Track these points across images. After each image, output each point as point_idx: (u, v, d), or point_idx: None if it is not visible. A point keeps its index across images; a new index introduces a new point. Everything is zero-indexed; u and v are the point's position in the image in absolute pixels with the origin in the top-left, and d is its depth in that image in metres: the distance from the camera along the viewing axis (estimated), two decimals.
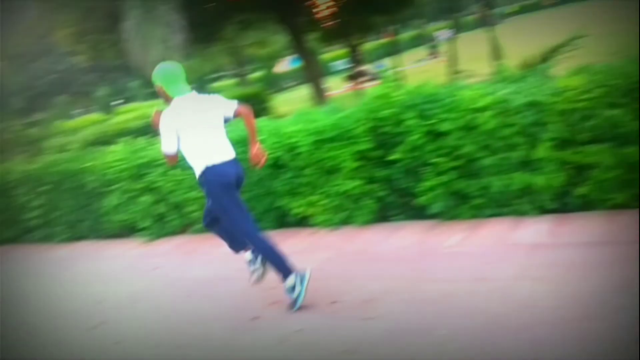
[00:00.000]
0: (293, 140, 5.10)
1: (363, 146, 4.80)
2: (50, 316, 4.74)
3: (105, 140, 11.19)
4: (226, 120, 3.84)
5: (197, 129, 3.67)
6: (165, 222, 6.24)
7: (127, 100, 40.90)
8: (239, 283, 4.47)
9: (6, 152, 9.36)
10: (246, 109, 3.88)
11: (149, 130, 4.64)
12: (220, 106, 3.80)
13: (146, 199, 6.18)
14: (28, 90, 41.01)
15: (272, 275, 3.86)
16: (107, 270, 5.69)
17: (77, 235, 7.05)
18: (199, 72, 18.85)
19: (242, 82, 22.47)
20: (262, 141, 5.25)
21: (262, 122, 5.60)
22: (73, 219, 6.95)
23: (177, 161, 3.86)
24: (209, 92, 17.68)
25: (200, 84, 15.36)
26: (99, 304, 4.75)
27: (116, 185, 6.35)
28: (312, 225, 5.26)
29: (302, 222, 5.33)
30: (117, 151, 6.52)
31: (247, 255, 4.15)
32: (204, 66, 17.90)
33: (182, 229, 6.23)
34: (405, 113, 4.59)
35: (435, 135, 4.56)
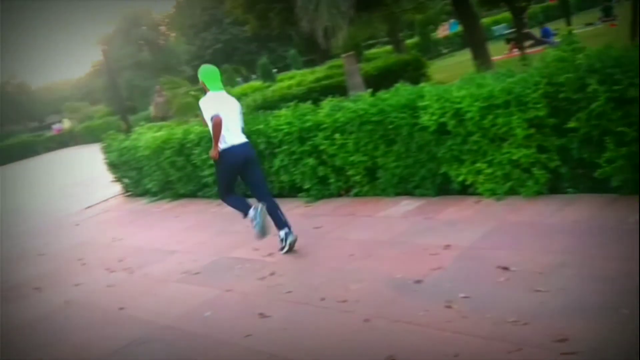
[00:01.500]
0: (459, 105, 4.97)
1: (536, 113, 4.53)
2: (224, 265, 5.18)
3: (269, 105, 11.75)
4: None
5: (229, 116, 4.87)
6: (327, 185, 6.47)
7: (285, 68, 42.58)
8: (401, 247, 4.53)
9: (184, 115, 10.27)
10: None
11: (310, 96, 4.86)
12: (240, 109, 5.20)
13: (310, 161, 6.43)
14: (197, 59, 44.28)
15: (434, 247, 3.84)
16: (271, 226, 6.04)
17: (245, 193, 7.54)
18: (356, 39, 18.97)
19: (397, 49, 22.21)
20: (426, 107, 5.22)
21: (426, 88, 5.54)
22: None
23: (220, 123, 4.76)
24: (365, 59, 17.69)
25: (357, 50, 15.46)
26: (268, 256, 5.09)
27: (282, 148, 6.68)
28: (475, 194, 5.12)
29: (465, 190, 5.21)
30: (283, 115, 6.83)
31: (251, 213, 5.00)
32: (361, 33, 17.97)
33: (342, 192, 6.41)
34: (588, 78, 4.24)
35: (620, 102, 4.16)
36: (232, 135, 4.92)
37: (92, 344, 4.13)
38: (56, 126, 36.16)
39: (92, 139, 25.47)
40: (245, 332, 3.68)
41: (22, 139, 32.37)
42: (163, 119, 12.02)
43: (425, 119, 5.19)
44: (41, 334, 4.58)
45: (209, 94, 5.01)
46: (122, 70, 31.83)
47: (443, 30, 33.43)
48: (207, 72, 5.09)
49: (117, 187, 10.33)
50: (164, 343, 3.86)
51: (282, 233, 5.06)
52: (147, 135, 9.12)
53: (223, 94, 5.07)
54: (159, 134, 8.85)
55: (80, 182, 13.50)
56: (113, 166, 10.09)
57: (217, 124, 4.74)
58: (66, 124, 35.68)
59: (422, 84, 5.87)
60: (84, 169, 16.41)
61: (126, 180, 9.95)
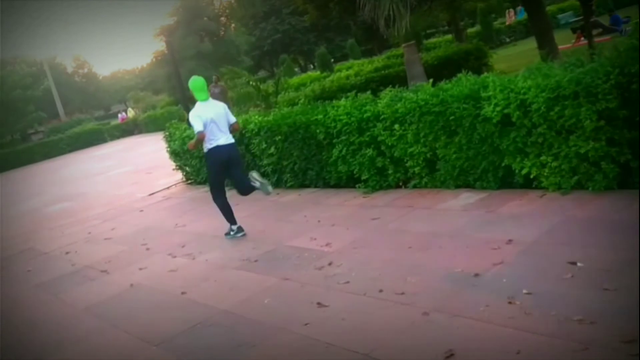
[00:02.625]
0: (525, 96, 4.83)
1: (607, 104, 4.35)
2: (282, 254, 5.25)
3: (327, 95, 11.77)
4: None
5: (215, 121, 5.82)
6: (385, 176, 6.43)
7: (343, 57, 42.45)
8: (461, 240, 4.46)
9: (244, 105, 10.43)
10: (238, 125, 6.27)
11: (369, 86, 4.83)
12: (226, 112, 6.06)
13: (368, 152, 6.41)
14: (256, 49, 44.70)
15: (496, 241, 3.75)
16: (329, 217, 6.08)
17: (303, 182, 7.63)
18: (416, 28, 18.69)
19: (458, 38, 21.72)
20: (489, 98, 5.10)
21: (489, 78, 5.40)
22: (301, 167, 7.52)
23: (204, 138, 5.78)
24: (425, 48, 17.39)
25: (417, 39, 15.22)
26: (325, 246, 5.12)
27: (341, 138, 6.69)
28: (540, 188, 4.98)
29: (529, 183, 5.07)
30: (342, 106, 6.83)
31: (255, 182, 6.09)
32: (421, 22, 17.69)
33: (401, 183, 6.36)
34: None
35: None
36: (220, 137, 5.89)
37: (157, 325, 4.28)
38: (121, 115, 37.49)
39: (154, 127, 26.27)
40: (303, 320, 3.73)
41: (91, 127, 33.69)
42: None
43: (488, 110, 5.07)
44: (110, 314, 4.78)
45: (198, 103, 5.92)
46: (184, 61, 32.55)
47: (510, 17, 32.53)
48: (196, 84, 5.95)
49: (179, 175, 10.61)
50: (224, 327, 3.95)
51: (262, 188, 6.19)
52: None
53: (210, 102, 6.00)
54: None
55: (143, 170, 13.96)
56: (175, 154, 10.36)
57: (200, 139, 5.82)
58: (130, 112, 36.92)
59: (485, 74, 5.73)
60: (146, 157, 16.96)
61: (187, 169, 10.21)
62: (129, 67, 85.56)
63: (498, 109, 5.01)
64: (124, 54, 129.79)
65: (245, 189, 6.21)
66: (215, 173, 6.10)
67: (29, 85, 43.69)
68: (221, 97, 16.69)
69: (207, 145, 5.89)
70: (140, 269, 5.82)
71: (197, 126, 5.71)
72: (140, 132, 30.57)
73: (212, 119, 5.80)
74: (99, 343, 4.25)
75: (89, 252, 7.11)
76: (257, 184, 6.07)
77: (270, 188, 6.14)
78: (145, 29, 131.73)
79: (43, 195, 14.21)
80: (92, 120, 39.42)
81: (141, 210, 8.93)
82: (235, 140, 6.20)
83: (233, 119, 6.12)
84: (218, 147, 5.88)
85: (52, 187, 15.73)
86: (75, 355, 4.13)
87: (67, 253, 7.29)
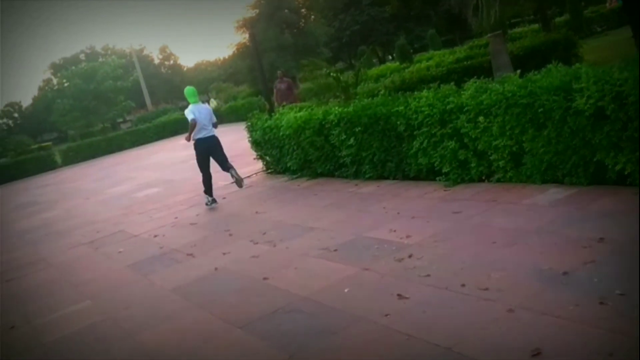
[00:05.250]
0: (621, 88, 4.58)
1: None
2: (361, 245, 5.28)
3: (407, 87, 11.64)
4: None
5: (201, 120, 8.39)
6: (467, 169, 6.31)
7: (422, 48, 41.79)
8: (548, 237, 4.32)
9: (323, 96, 10.49)
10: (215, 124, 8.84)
11: (450, 77, 4.71)
12: (210, 113, 8.69)
13: (450, 144, 6.30)
14: (335, 40, 44.74)
15: (586, 239, 3.59)
16: (408, 209, 6.04)
17: (382, 174, 7.61)
18: (502, 17, 18.02)
19: (545, 27, 20.84)
20: (582, 90, 4.88)
21: (582, 69, 5.17)
22: (380, 158, 7.50)
23: (195, 124, 8.38)
24: (509, 38, 16.75)
25: (502, 29, 14.65)
26: (405, 238, 5.10)
27: (422, 130, 6.61)
28: (635, 185, 4.71)
29: (622, 180, 4.82)
30: (424, 97, 6.74)
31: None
32: (507, 11, 17.07)
33: (484, 177, 6.22)
34: None
35: None
36: (203, 131, 8.48)
37: (240, 308, 4.43)
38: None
39: (235, 118, 26.94)
40: (383, 311, 3.74)
41: (176, 116, 35.00)
42: (284, 106, 12.33)
43: (580, 102, 4.85)
44: (196, 295, 5.00)
45: (190, 105, 8.50)
46: (265, 53, 33.14)
47: (610, 3, 30.96)
48: (189, 91, 8.66)
49: (259, 165, 10.86)
50: (305, 314, 4.04)
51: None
52: (289, 116, 9.46)
53: (199, 105, 8.62)
54: (300, 114, 9.14)
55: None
56: (256, 144, 10.61)
57: (193, 125, 8.33)
58: (212, 103, 38.06)
59: (577, 65, 5.49)
60: (227, 146, 17.42)
61: (268, 158, 10.43)
62: (212, 59, 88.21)
63: (591, 101, 4.78)
64: (206, 46, 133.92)
65: (224, 169, 8.82)
66: (199, 156, 8.64)
67: (119, 77, 46.06)
68: (288, 92, 16.70)
69: (194, 137, 8.47)
70: (224, 253, 6.03)
71: (191, 116, 8.31)
72: (222, 122, 31.32)
73: (199, 117, 8.36)
74: (186, 322, 4.45)
75: (175, 236, 7.44)
76: (234, 175, 8.72)
77: (242, 184, 9.03)
78: (227, 20, 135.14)
79: (132, 181, 14.97)
80: (177, 110, 40.95)
81: (223, 198, 9.22)
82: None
83: (214, 119, 8.78)
84: (200, 139, 8.49)
85: (140, 174, 16.53)
86: (164, 332, 4.35)
87: (155, 236, 7.66)
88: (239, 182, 8.84)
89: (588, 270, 3.61)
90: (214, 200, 8.73)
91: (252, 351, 3.73)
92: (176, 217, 8.62)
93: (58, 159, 30.05)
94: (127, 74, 49.39)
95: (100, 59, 59.56)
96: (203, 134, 8.47)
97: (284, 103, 14.20)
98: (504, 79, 6.06)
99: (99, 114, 45.11)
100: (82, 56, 70.62)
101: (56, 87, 54.27)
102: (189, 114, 8.35)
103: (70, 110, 44.57)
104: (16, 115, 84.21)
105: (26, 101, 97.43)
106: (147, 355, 4.04)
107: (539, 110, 5.26)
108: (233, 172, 8.71)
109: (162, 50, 79.33)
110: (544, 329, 3.06)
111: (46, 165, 28.86)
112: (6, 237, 10.98)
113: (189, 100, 8.60)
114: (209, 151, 8.57)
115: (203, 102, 9.80)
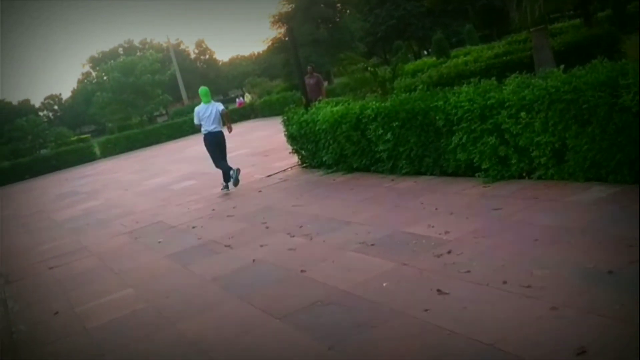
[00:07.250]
0: None
1: None
2: (399, 240, 5.27)
3: (445, 82, 11.53)
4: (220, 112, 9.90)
5: (208, 116, 9.73)
6: (507, 165, 6.23)
7: (458, 43, 41.26)
8: (592, 235, 4.25)
9: (359, 90, 10.47)
10: (225, 111, 10.16)
11: (489, 72, 4.64)
12: (217, 110, 9.79)
13: (490, 140, 6.23)
14: (370, 35, 44.63)
15: (632, 238, 3.51)
16: (446, 205, 5.99)
17: (419, 169, 7.57)
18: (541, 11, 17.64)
19: (587, 22, 20.35)
20: (629, 85, 4.76)
21: (630, 64, 5.05)
22: (417, 154, 7.45)
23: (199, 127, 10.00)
24: (551, 33, 16.34)
25: (543, 23, 14.34)
26: (444, 234, 5.07)
27: (461, 125, 6.55)
28: None
29: None
30: (464, 92, 6.68)
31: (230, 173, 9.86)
32: (548, 5, 16.68)
33: (524, 174, 6.13)
34: None
35: None
36: (210, 127, 9.75)
37: (279, 300, 4.48)
38: (239, 100, 39.07)
39: (270, 112, 27.11)
40: (423, 306, 3.74)
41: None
42: (313, 101, 12.29)
43: (627, 98, 4.74)
44: (235, 286, 5.07)
45: (201, 104, 9.86)
46: (301, 47, 33.23)
47: None
48: (202, 92, 9.96)
49: (294, 158, 10.91)
50: (344, 307, 4.06)
51: (231, 183, 9.91)
52: (325, 110, 9.48)
53: (210, 104, 9.84)
54: (336, 108, 9.15)
55: (260, 152, 14.49)
56: (292, 138, 10.66)
57: (198, 128, 10.10)
58: (247, 97, 38.39)
59: (623, 60, 5.35)
60: (262, 140, 17.57)
61: (303, 152, 10.47)
62: (246, 53, 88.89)
63: (638, 98, 4.67)
64: (241, 40, 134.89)
65: (216, 165, 10.11)
66: (208, 148, 10.00)
67: (157, 70, 46.80)
68: (316, 87, 16.66)
69: (202, 131, 9.89)
70: (261, 245, 6.09)
71: (195, 120, 9.96)
72: (256, 116, 31.67)
73: (206, 115, 9.71)
74: (225, 312, 4.53)
75: (213, 227, 7.55)
76: (232, 174, 9.75)
77: (230, 184, 9.96)
78: (262, 15, 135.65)
79: (169, 174, 15.20)
80: None
81: (259, 191, 9.31)
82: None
83: (222, 109, 9.99)
84: (209, 133, 9.82)
85: (176, 166, 16.77)
86: (204, 321, 4.43)
87: (193, 227, 7.79)
88: (235, 181, 9.79)
89: (634, 269, 3.53)
90: (227, 186, 10.02)
91: (292, 342, 3.76)
92: (213, 209, 8.75)
93: (97, 150, 30.70)
94: (164, 68, 50.13)
95: (138, 53, 60.63)
96: (211, 129, 9.77)
97: (319, 98, 14.18)
98: (547, 74, 5.95)
99: (137, 107, 45.97)
100: (120, 50, 72.09)
101: (95, 81, 55.56)
102: (194, 116, 9.97)
103: (109, 103, 45.56)
104: (56, 107, 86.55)
105: (66, 94, 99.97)
106: (188, 343, 4.12)
107: (584, 107, 5.16)
108: (233, 172, 9.72)
109: (199, 44, 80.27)
110: (589, 328, 3.02)
111: (85, 156, 29.52)
112: (49, 226, 11.31)
113: (202, 99, 9.85)
114: (216, 144, 9.90)
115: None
